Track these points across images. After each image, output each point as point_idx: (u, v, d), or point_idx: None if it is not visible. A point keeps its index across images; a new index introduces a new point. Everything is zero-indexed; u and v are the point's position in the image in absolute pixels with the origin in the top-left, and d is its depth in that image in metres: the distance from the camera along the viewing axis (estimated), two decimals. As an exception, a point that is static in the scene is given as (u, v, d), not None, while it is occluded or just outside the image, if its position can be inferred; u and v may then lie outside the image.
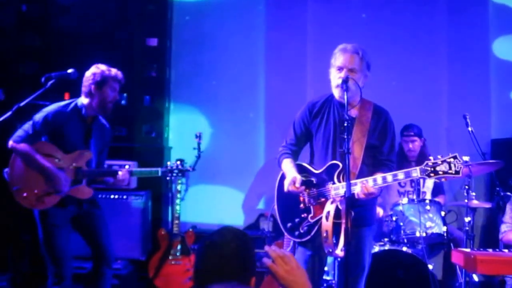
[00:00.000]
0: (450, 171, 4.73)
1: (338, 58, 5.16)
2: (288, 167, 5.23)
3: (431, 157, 4.84)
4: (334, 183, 5.05)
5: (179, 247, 7.60)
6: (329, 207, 4.93)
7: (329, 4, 8.78)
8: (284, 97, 8.48)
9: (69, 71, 5.57)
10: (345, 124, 4.74)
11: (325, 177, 5.12)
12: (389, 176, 4.90)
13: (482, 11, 8.63)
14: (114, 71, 5.85)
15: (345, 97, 4.89)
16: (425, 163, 4.80)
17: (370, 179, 4.90)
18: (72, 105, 5.83)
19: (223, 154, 8.64)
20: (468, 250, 5.40)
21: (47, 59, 8.24)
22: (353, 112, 5.18)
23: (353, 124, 5.13)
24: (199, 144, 7.13)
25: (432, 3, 8.67)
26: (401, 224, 6.70)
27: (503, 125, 8.46)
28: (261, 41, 8.83)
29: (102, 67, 5.82)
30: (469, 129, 6.86)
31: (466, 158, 6.47)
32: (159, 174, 6.21)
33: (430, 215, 6.70)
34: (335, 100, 5.27)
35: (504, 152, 7.86)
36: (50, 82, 5.34)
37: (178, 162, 6.37)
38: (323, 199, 5.09)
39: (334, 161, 5.10)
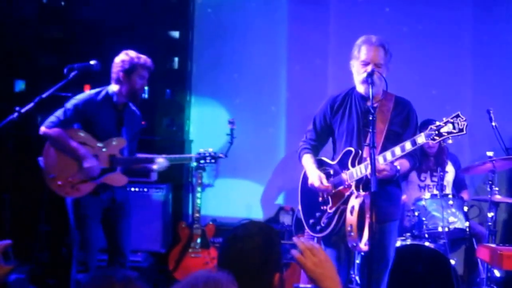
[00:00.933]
0: (454, 131, 4.73)
1: (363, 52, 5.11)
2: (308, 163, 5.25)
3: (436, 122, 4.83)
4: (348, 169, 5.03)
5: (199, 240, 7.60)
6: (354, 202, 4.90)
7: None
8: (305, 91, 8.45)
9: (92, 62, 5.57)
10: (370, 118, 4.69)
11: (341, 165, 5.11)
12: (397, 149, 4.85)
13: (508, 4, 8.55)
14: (143, 58, 5.83)
15: (370, 91, 4.84)
16: (429, 128, 4.77)
17: (379, 157, 4.86)
18: (103, 93, 5.84)
19: (244, 148, 8.59)
20: (494, 245, 5.37)
21: (68, 51, 8.23)
22: (374, 103, 5.04)
23: (374, 114, 5.05)
24: (232, 130, 7.01)
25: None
26: (423, 219, 6.66)
27: (528, 120, 8.40)
28: (283, 34, 8.79)
29: (132, 53, 5.80)
30: (493, 124, 6.81)
31: (489, 154, 6.45)
32: (193, 160, 6.27)
33: (453, 210, 6.66)
34: (356, 93, 5.25)
35: (528, 147, 7.80)
36: (72, 74, 5.32)
37: (211, 149, 6.33)
38: (340, 188, 5.07)
39: (348, 148, 5.09)
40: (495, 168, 6.40)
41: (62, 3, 8.58)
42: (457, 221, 6.62)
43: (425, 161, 7.57)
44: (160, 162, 5.99)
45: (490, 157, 6.45)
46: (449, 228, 6.56)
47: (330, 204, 5.12)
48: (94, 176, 5.71)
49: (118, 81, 5.81)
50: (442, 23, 8.57)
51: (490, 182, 6.42)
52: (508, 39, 8.51)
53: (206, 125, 8.61)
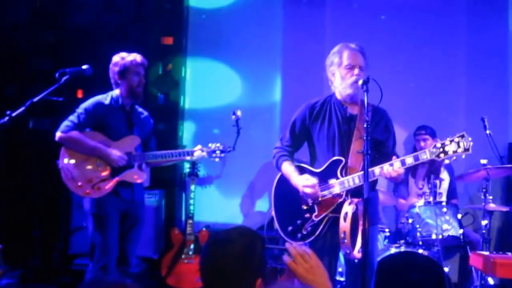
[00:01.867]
0: (459, 150, 4.81)
1: (346, 56, 5.19)
2: (290, 170, 5.23)
3: (438, 140, 5.01)
4: (338, 178, 5.04)
5: (192, 246, 7.58)
6: (347, 208, 4.89)
7: (348, 5, 8.75)
8: (300, 97, 8.42)
9: (84, 67, 5.57)
10: (365, 125, 4.69)
11: (328, 174, 5.11)
12: (396, 162, 4.90)
13: (502, 13, 8.56)
14: (132, 56, 5.93)
15: (365, 98, 4.84)
16: (433, 145, 4.88)
17: (397, 161, 4.91)
18: (109, 97, 5.94)
19: (238, 154, 8.58)
20: (487, 253, 5.35)
21: (61, 55, 8.24)
22: (355, 110, 5.20)
23: (355, 122, 5.15)
24: (237, 120, 6.79)
25: (451, 5, 8.62)
26: (417, 226, 6.66)
27: (522, 129, 8.41)
28: (278, 40, 8.81)
29: (123, 54, 5.93)
30: (487, 132, 6.82)
31: (483, 161, 6.45)
32: (206, 154, 6.28)
33: (447, 217, 6.66)
34: (336, 100, 5.29)
35: (522, 155, 7.82)
36: (64, 78, 5.35)
37: (218, 144, 6.41)
38: (329, 196, 5.06)
39: (336, 157, 5.11)
40: (489, 176, 6.42)
41: (55, 7, 8.56)
42: (451, 229, 6.62)
43: (420, 167, 7.59)
44: (198, 154, 6.14)
45: (484, 165, 6.45)
46: (443, 235, 6.56)
47: (316, 212, 5.10)
48: (123, 165, 5.80)
49: (116, 84, 5.94)
50: (437, 31, 8.57)
51: (484, 190, 6.42)
52: (501, 48, 8.52)
53: (199, 131, 8.60)
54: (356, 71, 5.11)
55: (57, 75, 5.33)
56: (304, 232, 5.10)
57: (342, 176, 5.03)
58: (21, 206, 7.70)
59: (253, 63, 8.84)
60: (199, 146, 6.21)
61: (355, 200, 4.92)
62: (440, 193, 7.39)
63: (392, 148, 5.34)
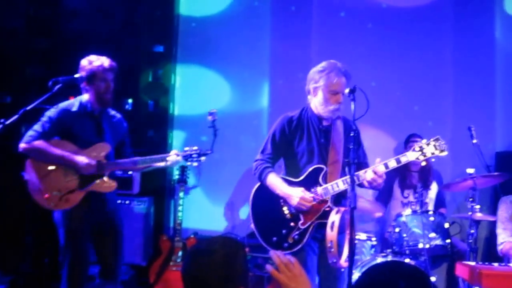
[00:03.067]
0: (436, 151, 5.10)
1: (333, 81, 5.25)
2: (279, 182, 5.31)
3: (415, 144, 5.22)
4: (321, 185, 5.19)
5: (180, 253, 7.58)
6: (334, 217, 4.94)
7: (335, 13, 8.79)
8: (288, 104, 8.45)
9: (76, 75, 5.61)
10: (352, 134, 4.78)
11: (309, 182, 5.24)
12: (380, 166, 5.09)
13: (489, 22, 8.63)
14: (100, 61, 5.76)
15: (352, 106, 4.92)
16: (412, 148, 5.15)
17: (381, 165, 5.08)
18: (77, 104, 5.79)
19: (226, 161, 8.62)
20: (473, 263, 5.39)
21: (55, 62, 8.26)
22: (327, 122, 5.40)
23: (331, 133, 5.34)
24: (213, 122, 6.57)
25: (438, 14, 8.68)
26: (404, 235, 6.67)
27: (508, 138, 8.46)
28: (266, 48, 8.84)
29: (91, 58, 5.78)
30: (474, 141, 6.86)
31: (470, 171, 6.49)
32: (181, 158, 5.99)
33: (434, 226, 6.68)
34: (312, 114, 5.43)
35: (509, 165, 7.83)
36: (57, 87, 5.34)
37: (195, 147, 6.11)
38: (314, 203, 5.17)
39: (317, 165, 5.26)
40: (476, 186, 6.42)
41: (49, 15, 8.59)
42: (438, 238, 6.63)
43: (409, 177, 7.62)
44: (172, 158, 5.90)
45: (471, 174, 6.48)
46: (430, 244, 6.57)
47: (302, 220, 5.20)
48: (92, 172, 5.65)
49: (85, 90, 5.80)
50: (423, 40, 8.63)
51: (471, 200, 6.43)
52: (488, 57, 8.58)
53: (189, 138, 8.62)
54: (339, 97, 5.24)
55: (50, 83, 5.31)
56: (291, 241, 5.18)
57: (324, 183, 5.17)
58: (12, 211, 7.70)
59: (241, 70, 8.88)
60: (174, 151, 6.00)
61: (342, 209, 4.99)
62: (426, 203, 7.42)
63: (364, 157, 5.50)
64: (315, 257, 5.27)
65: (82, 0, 8.45)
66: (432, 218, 6.70)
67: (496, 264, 5.48)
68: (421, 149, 5.09)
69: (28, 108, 5.08)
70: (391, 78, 8.45)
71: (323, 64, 5.36)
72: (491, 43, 8.61)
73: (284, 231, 5.21)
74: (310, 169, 5.25)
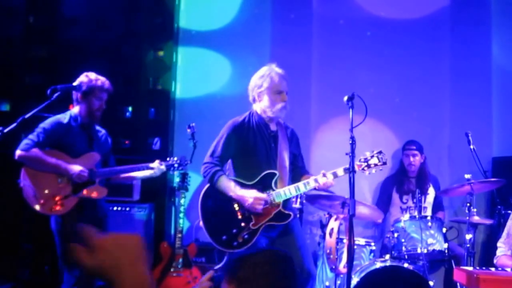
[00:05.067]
0: (379, 163, 5.43)
1: (276, 82, 5.61)
2: (231, 184, 5.51)
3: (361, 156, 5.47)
4: (273, 189, 5.44)
5: (181, 260, 7.60)
6: (333, 224, 5.01)
7: (335, 21, 8.83)
8: (288, 114, 8.49)
9: (75, 83, 5.70)
10: (350, 142, 4.84)
11: (262, 186, 5.48)
12: (339, 170, 5.42)
13: (486, 27, 8.67)
14: (101, 80, 5.93)
15: (351, 113, 5.00)
16: (358, 159, 5.39)
17: (329, 173, 5.40)
18: (68, 116, 5.93)
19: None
20: (471, 268, 5.40)
21: (54, 70, 8.30)
22: (274, 127, 5.67)
23: (277, 138, 5.60)
24: (193, 134, 7.04)
25: (435, 22, 8.71)
26: (403, 240, 6.70)
27: (505, 143, 8.50)
28: (266, 55, 8.84)
29: (91, 76, 5.91)
30: (471, 147, 6.91)
31: (467, 176, 6.53)
32: (164, 167, 6.22)
33: (432, 231, 6.70)
34: (258, 118, 5.68)
35: (506, 170, 7.87)
36: (55, 95, 5.42)
37: (175, 158, 6.38)
38: (266, 206, 5.42)
39: (270, 170, 5.48)
40: (473, 191, 6.47)
41: (48, 23, 8.64)
42: (436, 243, 6.66)
43: (407, 182, 7.67)
44: (155, 165, 6.09)
45: (468, 179, 6.52)
46: (428, 249, 6.61)
47: (253, 221, 5.42)
48: (85, 180, 5.78)
49: (77, 102, 5.94)
50: (421, 47, 8.67)
51: (468, 205, 6.47)
52: (485, 63, 8.63)
53: (190, 145, 8.65)
54: (284, 96, 5.56)
55: (48, 91, 5.38)
56: (240, 240, 5.41)
57: (275, 187, 5.41)
58: (12, 219, 7.72)
59: (241, 76, 8.90)
60: (157, 161, 6.18)
61: (341, 216, 5.06)
62: (425, 207, 7.48)
63: (303, 161, 5.86)
64: None
65: (81, 9, 8.48)
66: (430, 223, 6.73)
67: (493, 269, 5.51)
68: (366, 160, 5.41)
69: (27, 116, 5.14)
70: (390, 84, 8.49)
71: (261, 70, 5.70)
72: (488, 49, 8.65)
73: (234, 231, 5.43)
74: (263, 173, 5.45)
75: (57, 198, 5.74)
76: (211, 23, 9.00)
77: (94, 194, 5.90)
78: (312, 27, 8.81)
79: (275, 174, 5.45)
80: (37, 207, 5.76)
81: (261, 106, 5.61)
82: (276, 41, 8.88)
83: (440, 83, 8.65)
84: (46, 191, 5.75)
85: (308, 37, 8.80)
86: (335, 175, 5.39)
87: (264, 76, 5.60)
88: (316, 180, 5.38)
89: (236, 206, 5.46)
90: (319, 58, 8.69)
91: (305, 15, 8.84)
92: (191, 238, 8.12)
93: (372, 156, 5.40)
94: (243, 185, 5.48)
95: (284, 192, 5.40)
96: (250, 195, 5.37)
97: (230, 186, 5.47)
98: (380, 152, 5.46)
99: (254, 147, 5.57)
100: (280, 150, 5.55)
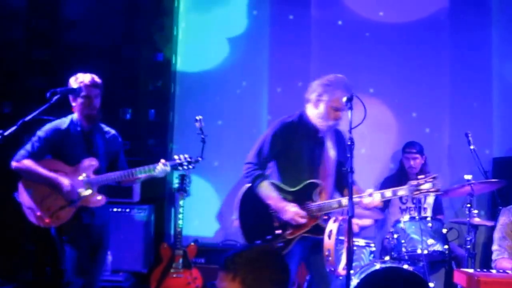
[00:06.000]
0: (432, 189, 5.09)
1: (337, 98, 5.22)
2: (272, 193, 5.30)
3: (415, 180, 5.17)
4: (314, 201, 5.22)
5: (181, 260, 7.60)
6: (332, 226, 4.97)
7: (333, 22, 8.83)
8: (287, 113, 8.44)
9: (74, 86, 5.62)
10: (349, 143, 4.79)
11: (302, 195, 5.26)
12: (387, 192, 5.20)
13: (484, 29, 8.68)
14: (81, 78, 5.72)
15: (350, 115, 4.95)
16: (409, 184, 5.14)
17: (377, 193, 5.16)
18: (68, 120, 5.82)
19: (226, 168, 8.66)
20: (471, 271, 5.37)
21: (55, 73, 8.32)
22: (321, 133, 5.38)
23: (324, 144, 5.35)
24: (201, 128, 6.55)
25: (436, 22, 8.72)
26: (403, 241, 6.69)
27: (505, 144, 8.51)
28: (265, 56, 8.86)
29: (78, 76, 5.74)
30: (471, 147, 6.89)
31: (468, 177, 6.51)
32: (169, 168, 5.90)
33: (432, 232, 6.70)
34: (307, 120, 5.42)
35: (506, 170, 7.88)
36: (55, 97, 5.32)
37: (186, 155, 6.02)
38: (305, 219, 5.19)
39: (313, 180, 5.26)
40: (473, 192, 6.43)
41: (49, 26, 8.66)
42: (436, 244, 6.66)
43: (405, 182, 7.62)
44: (159, 168, 5.83)
45: (468, 180, 6.49)
46: (428, 250, 6.60)
47: (290, 231, 5.23)
48: (74, 198, 5.66)
49: (73, 107, 5.81)
50: (420, 48, 8.69)
51: (468, 206, 6.44)
52: (485, 63, 8.65)
53: (189, 146, 8.65)
54: (339, 114, 5.26)
55: (48, 94, 5.34)
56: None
57: (316, 199, 5.21)
58: (14, 220, 7.72)
59: (240, 78, 8.92)
60: (162, 161, 5.90)
61: (340, 217, 5.02)
62: (425, 208, 7.47)
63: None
64: (294, 266, 5.27)
65: (81, 12, 8.49)
66: (430, 224, 6.72)
67: (494, 271, 5.49)
68: (418, 185, 5.11)
69: (27, 119, 5.10)
70: (389, 85, 8.49)
71: (330, 77, 5.36)
72: (488, 49, 8.67)
73: (269, 237, 5.25)
74: (306, 182, 5.25)
75: (53, 210, 5.66)
76: (210, 25, 9.00)
77: (92, 203, 5.77)
78: (311, 29, 8.82)
79: (317, 184, 5.25)
80: (33, 220, 5.72)
81: (314, 112, 5.33)
82: (274, 42, 8.88)
83: (439, 83, 8.66)
84: (42, 203, 5.69)
85: (307, 39, 8.81)
86: (383, 196, 5.18)
87: (329, 86, 5.29)
88: (360, 197, 5.12)
89: (273, 212, 5.27)
90: (318, 59, 8.69)
91: (303, 17, 8.85)
92: (190, 239, 8.11)
93: (425, 182, 5.11)
94: (284, 192, 5.29)
95: (325, 205, 5.19)
96: (290, 209, 5.17)
97: (270, 195, 5.27)
98: (434, 178, 5.15)
99: (298, 151, 5.35)
100: (325, 157, 5.33)
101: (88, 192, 5.72)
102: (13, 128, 5.03)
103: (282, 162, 5.44)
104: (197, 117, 6.53)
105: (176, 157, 6.03)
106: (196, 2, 9.08)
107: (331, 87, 5.28)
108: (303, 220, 5.14)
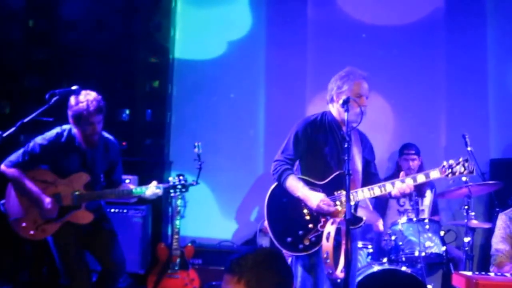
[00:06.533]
0: (465, 171, 5.26)
1: (356, 86, 5.34)
2: (299, 185, 5.27)
3: (444, 161, 5.30)
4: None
5: (178, 261, 7.58)
6: (330, 228, 4.96)
7: (329, 24, 8.83)
8: (284, 114, 8.50)
9: (73, 88, 5.54)
10: (346, 145, 4.79)
11: (333, 186, 5.25)
12: (420, 176, 5.28)
13: (481, 30, 8.68)
14: (86, 103, 5.56)
15: (346, 117, 4.96)
16: (441, 166, 5.25)
17: (408, 178, 5.23)
18: (66, 134, 5.76)
19: (223, 169, 8.66)
20: (469, 273, 5.37)
21: (53, 73, 8.33)
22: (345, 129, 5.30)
23: (350, 140, 5.20)
24: (199, 155, 6.87)
25: (431, 23, 8.72)
26: (400, 243, 6.70)
27: (502, 145, 8.50)
28: (261, 57, 8.87)
29: (80, 97, 5.57)
30: (468, 149, 6.87)
31: (465, 179, 6.50)
32: (161, 191, 5.91)
33: (429, 234, 6.70)
34: (332, 118, 5.46)
35: (503, 172, 7.87)
36: (54, 99, 5.27)
37: (181, 177, 6.09)
38: (334, 207, 5.18)
39: (341, 171, 5.13)
40: (471, 193, 6.43)
41: (48, 27, 8.66)
42: (434, 246, 6.67)
43: (404, 185, 7.64)
44: (151, 191, 5.83)
45: (465, 182, 6.49)
46: (426, 252, 6.61)
47: (322, 223, 5.17)
48: (52, 217, 5.64)
49: (72, 124, 5.71)
50: (417, 49, 8.69)
51: (466, 207, 6.44)
52: (481, 64, 8.65)
53: (186, 146, 8.65)
54: (363, 100, 5.30)
55: (47, 96, 5.30)
56: (307, 243, 5.16)
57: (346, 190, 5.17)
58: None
59: (237, 79, 8.91)
60: (154, 183, 5.89)
61: (338, 219, 5.00)
62: (423, 210, 7.47)
63: (376, 168, 5.61)
64: None
65: (80, 12, 8.49)
66: (427, 226, 6.73)
67: (492, 274, 5.48)
68: (450, 166, 5.24)
69: (26, 120, 5.08)
70: (386, 86, 8.47)
71: (345, 70, 5.43)
72: (483, 50, 8.67)
73: (300, 232, 5.19)
74: (336, 173, 5.26)
75: (39, 223, 5.65)
76: (207, 26, 9.00)
77: (79, 219, 5.74)
78: (307, 31, 8.82)
79: (348, 175, 5.10)
80: (20, 230, 5.71)
81: (338, 107, 5.36)
82: (271, 43, 8.88)
83: (436, 84, 8.67)
84: (28, 215, 5.68)
85: (303, 41, 8.82)
86: (414, 179, 5.23)
87: (346, 77, 5.37)
88: (393, 184, 5.19)
89: (304, 207, 5.23)
90: (314, 60, 8.69)
91: (300, 18, 8.85)
92: (188, 240, 8.11)
93: (457, 163, 5.25)
94: (313, 185, 5.27)
95: (356, 192, 5.18)
96: (317, 197, 5.15)
97: (299, 186, 5.24)
98: (466, 160, 5.29)
99: (325, 147, 5.36)
100: (352, 152, 5.26)
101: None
102: (12, 129, 5.01)
103: (308, 161, 5.45)
104: (196, 143, 6.52)
105: (170, 178, 6.06)
106: (193, 3, 9.06)
107: (348, 77, 5.36)
108: (330, 208, 5.12)
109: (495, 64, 8.67)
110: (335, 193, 5.21)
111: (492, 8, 8.73)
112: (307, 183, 5.29)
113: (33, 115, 5.18)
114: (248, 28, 8.98)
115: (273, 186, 5.44)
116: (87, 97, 5.58)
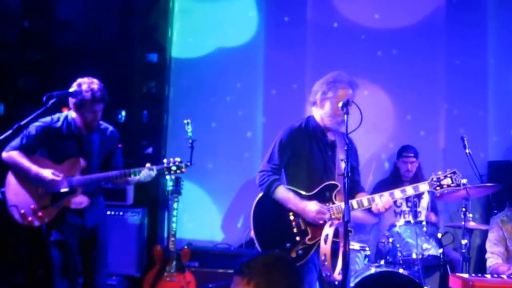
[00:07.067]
0: (452, 184, 5.19)
1: (341, 92, 5.25)
2: (291, 195, 5.22)
3: (433, 174, 5.22)
4: (333, 202, 5.15)
5: (174, 264, 7.57)
6: (328, 230, 4.93)
7: (329, 24, 8.81)
8: (282, 116, 8.47)
9: (71, 89, 5.53)
10: (345, 148, 4.77)
11: (322, 197, 5.18)
12: (409, 189, 5.23)
13: (481, 31, 8.67)
14: (91, 92, 5.56)
15: (346, 119, 4.94)
16: (430, 179, 5.17)
17: (397, 191, 5.21)
18: (62, 118, 5.74)
19: (220, 172, 8.64)
20: (466, 275, 5.37)
21: (48, 74, 8.30)
22: (332, 136, 5.37)
23: (335, 147, 5.31)
24: (190, 134, 6.77)
25: (431, 25, 8.71)
26: (398, 245, 6.69)
27: (500, 147, 8.50)
28: (260, 58, 8.85)
29: (83, 85, 5.57)
30: (467, 151, 6.86)
31: (463, 181, 6.47)
32: (154, 172, 5.74)
33: (427, 236, 6.70)
34: (315, 124, 5.40)
35: (501, 174, 7.88)
36: (51, 101, 5.23)
37: (178, 159, 5.86)
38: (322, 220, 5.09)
39: (331, 182, 5.20)
40: (468, 195, 6.40)
41: (43, 27, 8.63)
42: (431, 248, 6.66)
43: (400, 185, 7.60)
44: (144, 172, 5.68)
45: (463, 184, 6.46)
46: (423, 255, 6.61)
47: (310, 236, 5.13)
48: (58, 189, 5.58)
49: (73, 109, 5.70)
50: (416, 50, 8.68)
51: (464, 210, 6.41)
52: (480, 67, 8.63)
53: (182, 148, 8.62)
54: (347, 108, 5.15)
55: (44, 98, 5.25)
56: (294, 255, 5.08)
57: (335, 200, 5.15)
58: (6, 223, 7.68)
59: (235, 80, 8.89)
60: (147, 165, 5.74)
61: (336, 222, 4.97)
62: (419, 212, 7.45)
63: (359, 175, 5.57)
64: (315, 273, 5.23)
65: (75, 13, 8.46)
66: (425, 229, 6.73)
67: (489, 276, 5.48)
68: (438, 180, 5.18)
69: (22, 123, 5.05)
70: (384, 87, 8.48)
71: (331, 75, 5.34)
72: (483, 52, 8.67)
73: (288, 245, 5.12)
74: (324, 184, 5.20)
75: (36, 208, 5.59)
76: (205, 26, 8.97)
77: (75, 204, 5.67)
78: (306, 30, 8.81)
79: (336, 186, 5.17)
80: (17, 217, 5.66)
81: (321, 113, 5.31)
82: (270, 44, 8.87)
83: (435, 86, 8.66)
84: (26, 201, 5.62)
85: (302, 41, 8.79)
86: (403, 192, 5.21)
87: (332, 83, 5.27)
88: (374, 200, 5.16)
89: (291, 218, 5.17)
90: (313, 60, 8.67)
91: (299, 19, 8.84)
92: (184, 242, 8.09)
93: (445, 177, 5.18)
94: (302, 196, 5.19)
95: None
96: (312, 207, 5.08)
97: (290, 198, 5.18)
98: (454, 173, 5.21)
99: (310, 154, 5.28)
100: (338, 159, 5.25)
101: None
102: (9, 132, 4.99)
103: (294, 169, 5.38)
104: (185, 121, 6.42)
105: (165, 160, 5.89)
106: (191, 4, 9.04)
107: (334, 83, 5.27)
108: (326, 217, 5.07)
109: (495, 67, 8.66)
110: (326, 204, 5.15)
111: (492, 12, 8.73)
112: (297, 195, 5.23)
113: (30, 117, 5.16)
114: (247, 30, 8.96)
115: (259, 196, 5.37)
116: (92, 86, 5.58)
